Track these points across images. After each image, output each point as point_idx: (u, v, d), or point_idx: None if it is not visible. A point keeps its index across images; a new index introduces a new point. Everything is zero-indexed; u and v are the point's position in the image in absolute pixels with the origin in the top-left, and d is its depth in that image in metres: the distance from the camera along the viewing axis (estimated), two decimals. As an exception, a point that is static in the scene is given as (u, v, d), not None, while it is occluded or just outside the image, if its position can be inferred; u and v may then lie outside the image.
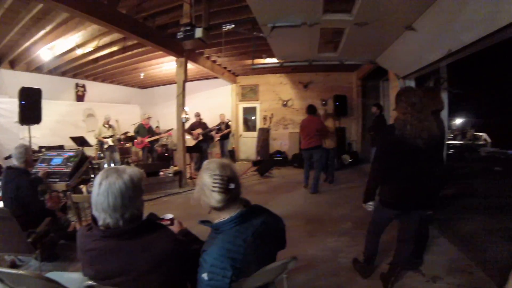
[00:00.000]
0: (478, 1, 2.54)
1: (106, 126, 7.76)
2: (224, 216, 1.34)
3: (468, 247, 3.31)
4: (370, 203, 2.48)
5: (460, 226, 3.95)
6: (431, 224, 3.35)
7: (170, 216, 1.75)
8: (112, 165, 7.58)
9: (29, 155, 3.03)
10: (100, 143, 7.74)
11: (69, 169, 3.67)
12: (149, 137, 8.14)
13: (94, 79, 9.90)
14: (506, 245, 3.32)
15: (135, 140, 8.20)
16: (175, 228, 1.70)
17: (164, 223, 1.71)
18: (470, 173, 7.91)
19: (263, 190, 6.36)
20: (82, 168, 3.88)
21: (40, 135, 7.79)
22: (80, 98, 9.50)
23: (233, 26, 4.20)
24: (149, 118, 8.37)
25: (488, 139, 15.89)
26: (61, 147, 6.93)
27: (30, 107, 5.09)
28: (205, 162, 1.40)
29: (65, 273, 2.02)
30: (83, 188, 4.72)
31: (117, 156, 7.91)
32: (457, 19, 2.94)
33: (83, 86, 9.56)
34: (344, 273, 2.84)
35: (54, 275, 1.60)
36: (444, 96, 4.70)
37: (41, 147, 6.59)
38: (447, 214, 4.39)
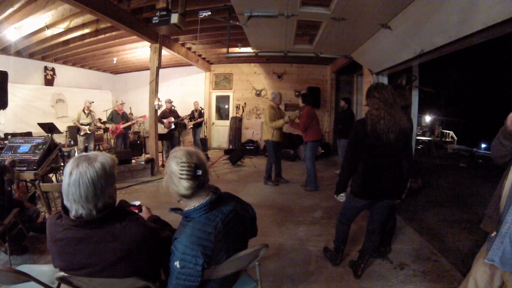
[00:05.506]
0: (452, 6, 2.64)
1: (86, 112, 7.43)
2: (194, 203, 1.36)
3: (432, 236, 3.54)
4: (342, 194, 2.58)
5: (425, 217, 4.20)
6: (398, 213, 3.51)
7: (137, 203, 1.72)
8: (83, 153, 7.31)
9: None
10: (76, 129, 7.45)
11: (37, 157, 3.50)
12: (123, 123, 7.91)
13: (64, 63, 9.40)
14: (467, 235, 3.59)
15: (110, 127, 7.95)
16: (144, 215, 1.69)
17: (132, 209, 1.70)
18: (437, 168, 8.35)
19: (234, 179, 6.42)
20: (51, 156, 3.71)
21: (5, 121, 7.41)
22: (49, 82, 8.97)
23: (209, 13, 4.13)
24: (122, 103, 8.13)
25: (455, 137, 16.75)
26: (28, 134, 6.59)
27: (-6, 91, 4.77)
28: (172, 151, 1.40)
29: (36, 265, 1.97)
30: (53, 177, 4.55)
31: (91, 144, 7.64)
32: (430, 21, 3.06)
33: (53, 69, 9.04)
34: (315, 261, 2.95)
35: (25, 268, 1.55)
36: (415, 93, 4.90)
37: (6, 134, 6.24)
38: (413, 205, 4.64)
